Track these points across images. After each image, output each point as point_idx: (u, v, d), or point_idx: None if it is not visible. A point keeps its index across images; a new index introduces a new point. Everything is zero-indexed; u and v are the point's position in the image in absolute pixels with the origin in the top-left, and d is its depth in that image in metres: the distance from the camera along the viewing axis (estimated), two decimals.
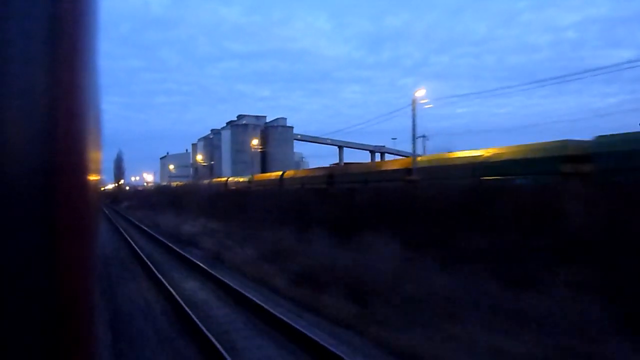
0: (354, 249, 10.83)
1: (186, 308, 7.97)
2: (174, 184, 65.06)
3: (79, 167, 0.74)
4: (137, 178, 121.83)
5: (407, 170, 24.58)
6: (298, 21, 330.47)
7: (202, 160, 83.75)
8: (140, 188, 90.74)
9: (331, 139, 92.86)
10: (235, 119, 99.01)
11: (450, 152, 24.95)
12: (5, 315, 0.62)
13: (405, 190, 16.98)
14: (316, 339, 6.34)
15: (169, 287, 9.65)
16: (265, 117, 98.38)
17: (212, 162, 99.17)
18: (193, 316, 7.48)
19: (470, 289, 8.15)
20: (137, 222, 28.16)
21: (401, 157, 41.79)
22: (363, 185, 25.48)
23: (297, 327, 6.87)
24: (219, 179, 53.97)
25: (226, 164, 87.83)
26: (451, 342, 6.18)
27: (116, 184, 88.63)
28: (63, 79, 0.69)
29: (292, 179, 36.37)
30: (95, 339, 0.86)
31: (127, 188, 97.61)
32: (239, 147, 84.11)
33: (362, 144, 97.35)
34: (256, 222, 17.90)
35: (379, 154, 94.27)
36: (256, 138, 69.28)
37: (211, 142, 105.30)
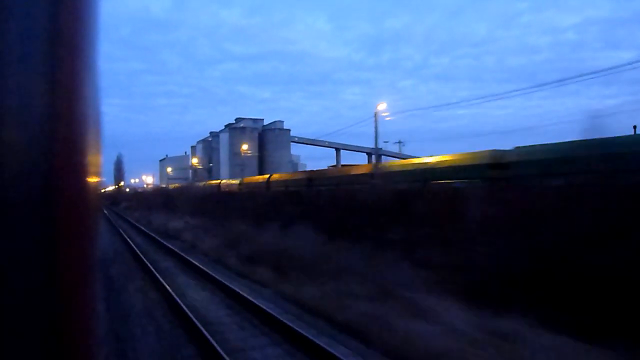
0: (292, 237, 14.30)
1: (158, 276, 11.46)
2: (171, 186, 68.62)
3: (79, 169, 0.75)
4: (137, 180, 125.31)
5: (371, 175, 28.03)
6: (298, 23, 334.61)
7: (197, 163, 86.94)
8: (140, 190, 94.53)
9: (329, 142, 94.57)
10: (234, 121, 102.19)
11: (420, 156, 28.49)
12: (4, 316, 0.63)
13: (352, 192, 20.44)
14: (238, 290, 9.82)
15: (149, 265, 13.14)
16: (262, 120, 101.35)
17: (211, 165, 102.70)
18: (162, 280, 10.97)
19: (361, 263, 11.58)
20: (132, 221, 31.75)
21: (391, 160, 45.20)
22: (335, 187, 28.91)
23: (230, 285, 10.35)
24: (213, 182, 57.49)
25: (224, 166, 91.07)
26: (326, 292, 9.61)
27: (116, 186, 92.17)
28: (63, 80, 0.70)
29: (277, 182, 39.80)
30: (95, 339, 0.88)
31: (127, 190, 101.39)
32: (236, 150, 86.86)
33: (358, 146, 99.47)
34: (232, 219, 21.41)
35: (375, 156, 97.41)
36: (246, 143, 72.51)
37: (210, 144, 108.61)
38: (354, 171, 31.30)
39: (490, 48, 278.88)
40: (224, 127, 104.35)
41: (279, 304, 8.98)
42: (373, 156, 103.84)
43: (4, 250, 0.63)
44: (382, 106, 27.67)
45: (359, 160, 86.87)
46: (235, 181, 48.42)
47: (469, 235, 12.45)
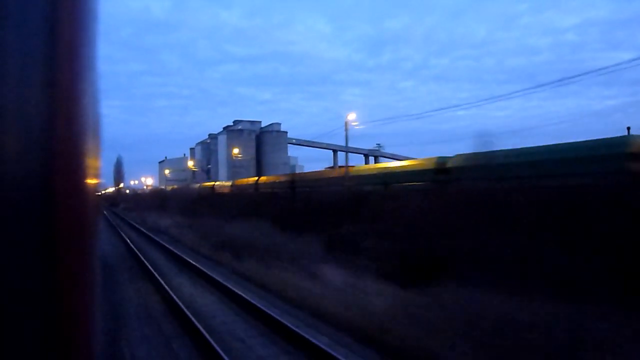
0: (253, 229, 17.97)
1: (144, 260, 15.15)
2: (168, 188, 72.35)
3: (78, 170, 0.77)
4: (137, 182, 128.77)
5: (343, 178, 31.69)
6: (298, 24, 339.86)
7: (192, 166, 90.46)
8: (140, 191, 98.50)
9: (326, 143, 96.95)
10: (232, 123, 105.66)
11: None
12: (5, 317, 0.64)
13: (321, 194, 24.07)
14: (199, 266, 13.49)
15: (138, 252, 16.82)
16: (260, 122, 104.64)
17: (209, 166, 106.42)
18: (147, 264, 14.64)
19: (300, 249, 15.21)
20: (128, 220, 35.52)
21: (378, 163, 49.01)
22: (311, 189, 32.50)
23: (195, 264, 14.01)
24: (208, 184, 61.17)
25: (222, 168, 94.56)
26: (261, 267, 13.24)
27: (116, 188, 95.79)
28: (62, 82, 0.71)
29: (265, 183, 43.49)
30: (95, 340, 0.90)
31: (127, 191, 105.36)
32: (237, 151, 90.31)
33: (356, 148, 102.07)
34: (213, 217, 25.12)
35: (373, 157, 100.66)
36: (244, 145, 75.90)
37: (208, 146, 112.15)
38: (330, 174, 34.95)
39: (490, 49, 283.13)
40: (222, 129, 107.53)
41: (225, 274, 12.68)
42: (371, 157, 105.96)
43: (4, 251, 0.64)
44: (351, 116, 31.38)
45: (357, 161, 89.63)
46: (228, 183, 52.20)
47: (392, 229, 16.04)
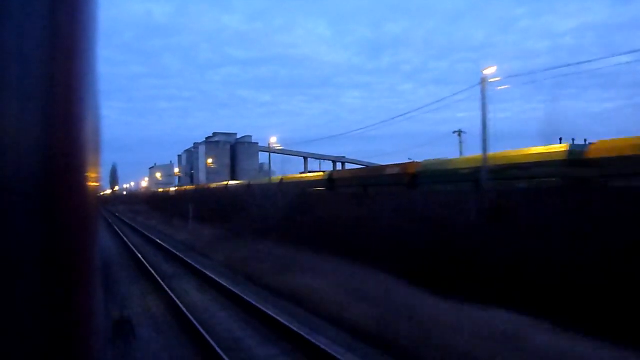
0: (148, 209, 56.51)
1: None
2: (151, 190, 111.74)
3: (78, 171, 0.85)
4: (128, 185, 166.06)
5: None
6: (299, 28, 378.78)
7: (160, 176, 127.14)
8: (133, 193, 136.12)
9: (296, 151, 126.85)
10: (212, 135, 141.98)
11: None
12: (7, 315, 0.70)
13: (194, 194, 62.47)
14: (119, 216, 52.21)
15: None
16: (236, 134, 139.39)
17: (192, 172, 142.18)
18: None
19: (143, 210, 53.59)
20: (108, 208, 75.04)
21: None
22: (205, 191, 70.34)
23: (120, 216, 52.68)
24: (167, 188, 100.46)
25: (202, 174, 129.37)
26: (136, 217, 51.61)
27: (111, 191, 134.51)
28: (61, 83, 0.79)
29: (185, 190, 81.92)
30: (96, 337, 0.98)
31: (125, 193, 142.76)
32: (212, 160, 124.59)
33: (323, 155, 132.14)
34: (140, 204, 63.79)
35: (340, 163, 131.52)
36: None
37: (192, 154, 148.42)
38: (211, 185, 73.15)
39: (489, 52, 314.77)
40: (204, 140, 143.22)
41: (126, 216, 51.37)
42: (338, 163, 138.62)
43: (6, 252, 0.70)
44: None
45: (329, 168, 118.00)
46: (174, 188, 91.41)
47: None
